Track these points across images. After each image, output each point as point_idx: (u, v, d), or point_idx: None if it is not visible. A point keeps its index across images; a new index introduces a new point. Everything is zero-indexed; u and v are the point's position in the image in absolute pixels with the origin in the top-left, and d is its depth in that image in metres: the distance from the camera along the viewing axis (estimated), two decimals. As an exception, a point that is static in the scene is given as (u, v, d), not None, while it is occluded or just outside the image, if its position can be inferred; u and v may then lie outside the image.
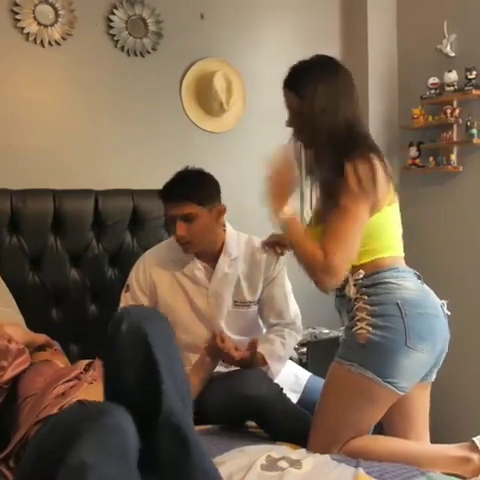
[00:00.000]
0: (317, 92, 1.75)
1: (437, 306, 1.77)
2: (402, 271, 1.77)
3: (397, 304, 1.69)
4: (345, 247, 1.67)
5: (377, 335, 1.68)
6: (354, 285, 1.75)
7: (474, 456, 1.67)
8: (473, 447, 1.69)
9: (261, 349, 2.11)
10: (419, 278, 1.81)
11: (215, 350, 2.00)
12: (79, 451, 1.18)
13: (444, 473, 1.67)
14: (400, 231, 1.87)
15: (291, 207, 1.79)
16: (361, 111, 1.84)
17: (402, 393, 1.71)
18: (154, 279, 2.21)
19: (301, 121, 1.80)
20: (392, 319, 1.68)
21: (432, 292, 1.81)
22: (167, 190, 2.15)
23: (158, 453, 1.33)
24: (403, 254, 1.85)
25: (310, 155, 1.84)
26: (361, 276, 1.74)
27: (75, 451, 1.18)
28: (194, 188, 2.11)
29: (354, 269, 1.75)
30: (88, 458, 1.17)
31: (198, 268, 2.20)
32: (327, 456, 1.63)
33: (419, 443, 1.82)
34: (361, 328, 1.70)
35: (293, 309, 2.29)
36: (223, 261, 2.21)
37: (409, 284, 1.74)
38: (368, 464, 1.58)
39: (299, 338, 2.32)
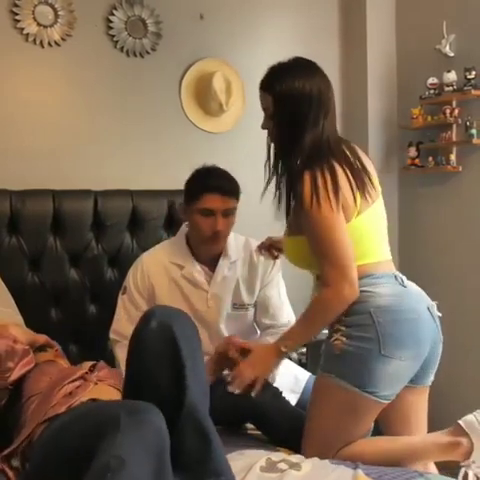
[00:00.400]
0: (292, 94, 1.72)
1: (418, 309, 1.73)
2: (379, 276, 1.73)
3: (369, 313, 1.66)
4: (336, 260, 1.66)
5: (351, 345, 1.67)
6: None
7: (463, 439, 1.65)
8: (460, 431, 1.66)
9: None
10: (402, 281, 1.76)
11: (224, 361, 1.94)
12: (116, 446, 1.18)
13: (442, 472, 1.67)
14: (381, 235, 1.82)
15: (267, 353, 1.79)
16: (334, 117, 1.80)
17: (385, 401, 1.69)
18: (152, 281, 2.19)
19: (274, 123, 1.77)
20: (365, 328, 1.66)
21: (417, 294, 1.77)
22: (220, 183, 2.11)
23: (181, 449, 1.35)
24: (386, 257, 1.81)
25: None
26: None
27: (112, 445, 1.18)
28: (235, 183, 2.15)
29: None
30: (125, 454, 1.17)
31: (197, 271, 2.20)
32: (326, 460, 1.63)
33: (409, 437, 1.80)
34: (336, 339, 1.69)
35: (287, 312, 2.29)
36: (223, 264, 2.20)
37: (384, 290, 1.70)
38: (367, 466, 1.58)
39: None
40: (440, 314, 1.79)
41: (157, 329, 1.41)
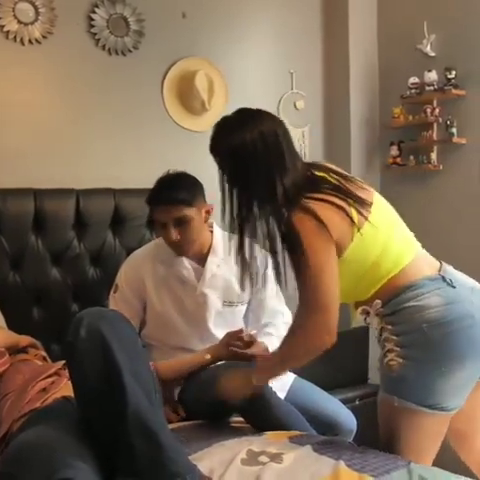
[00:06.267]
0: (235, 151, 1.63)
1: (471, 311, 1.60)
2: (421, 286, 1.60)
3: (422, 329, 1.57)
4: (320, 306, 1.58)
5: (408, 366, 1.59)
6: (376, 315, 1.65)
7: None
8: None
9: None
10: (451, 281, 1.62)
11: (233, 354, 2.00)
12: None
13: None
14: (397, 231, 1.68)
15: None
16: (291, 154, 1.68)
17: (454, 411, 1.62)
18: (143, 276, 2.20)
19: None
20: (421, 347, 1.59)
21: (466, 291, 1.64)
22: (157, 195, 2.13)
23: (132, 455, 1.34)
24: (417, 251, 1.69)
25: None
26: (379, 306, 1.64)
27: None
28: (183, 190, 2.10)
29: (369, 300, 1.65)
30: None
31: (186, 268, 2.20)
32: (309, 447, 1.62)
33: None
34: (391, 360, 1.62)
35: (286, 310, 2.31)
36: (212, 262, 2.21)
37: (430, 301, 1.59)
38: (349, 456, 1.58)
39: None
40: None
41: (86, 336, 1.39)
